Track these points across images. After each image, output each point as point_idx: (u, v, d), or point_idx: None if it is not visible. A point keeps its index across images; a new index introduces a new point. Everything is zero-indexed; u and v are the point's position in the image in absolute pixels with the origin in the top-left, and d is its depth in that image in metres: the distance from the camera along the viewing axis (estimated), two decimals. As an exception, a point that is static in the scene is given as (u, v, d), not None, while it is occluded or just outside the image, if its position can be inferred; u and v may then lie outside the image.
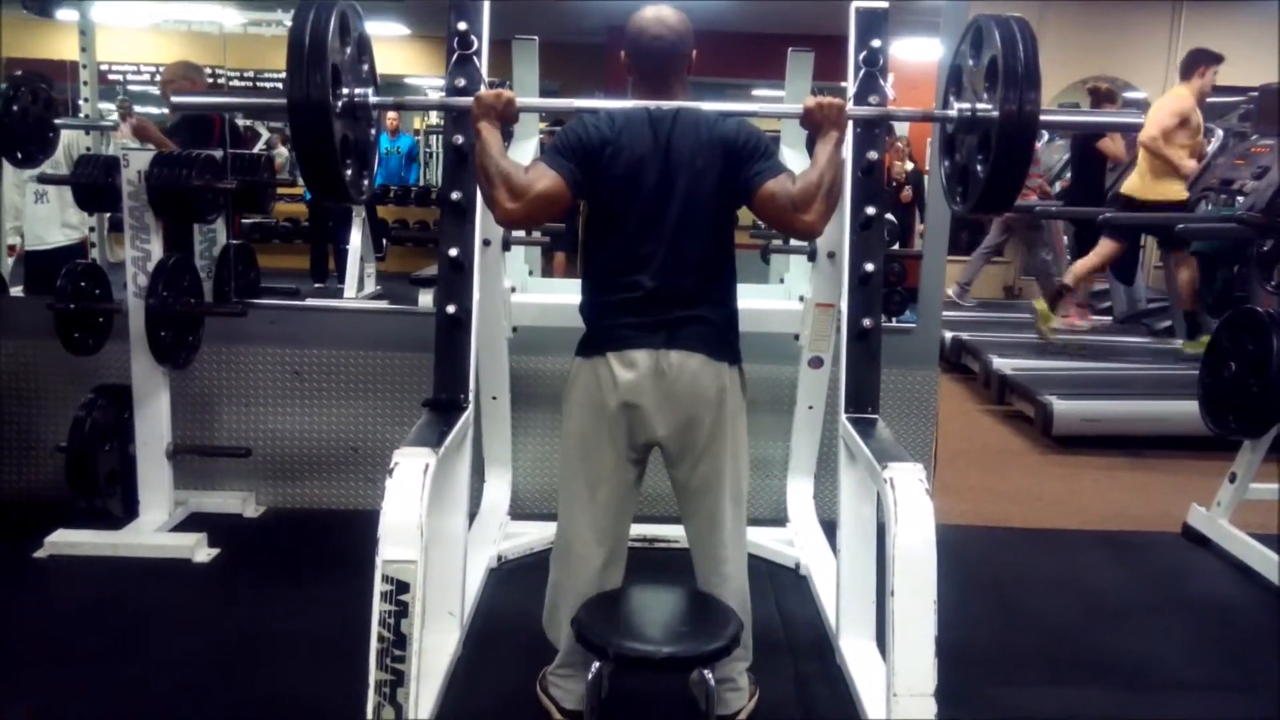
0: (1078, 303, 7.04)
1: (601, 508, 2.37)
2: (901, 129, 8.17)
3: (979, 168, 2.27)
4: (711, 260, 2.31)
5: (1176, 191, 6.03)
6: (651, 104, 2.27)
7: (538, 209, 2.20)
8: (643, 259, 2.25)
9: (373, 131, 2.44)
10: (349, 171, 2.26)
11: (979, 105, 2.28)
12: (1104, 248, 6.27)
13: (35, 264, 4.68)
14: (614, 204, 2.27)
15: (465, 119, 2.77)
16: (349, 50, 2.22)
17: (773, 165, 2.25)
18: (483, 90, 2.32)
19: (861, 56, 2.79)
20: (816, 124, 2.27)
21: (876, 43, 2.80)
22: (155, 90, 9.13)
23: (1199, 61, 6.00)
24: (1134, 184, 6.15)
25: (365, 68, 2.33)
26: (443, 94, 2.77)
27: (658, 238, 2.25)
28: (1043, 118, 2.16)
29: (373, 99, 2.32)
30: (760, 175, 2.23)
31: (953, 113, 2.37)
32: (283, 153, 8.09)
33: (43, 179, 4.22)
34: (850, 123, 2.54)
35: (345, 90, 2.21)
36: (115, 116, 7.69)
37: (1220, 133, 7.03)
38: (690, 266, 2.27)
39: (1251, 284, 5.55)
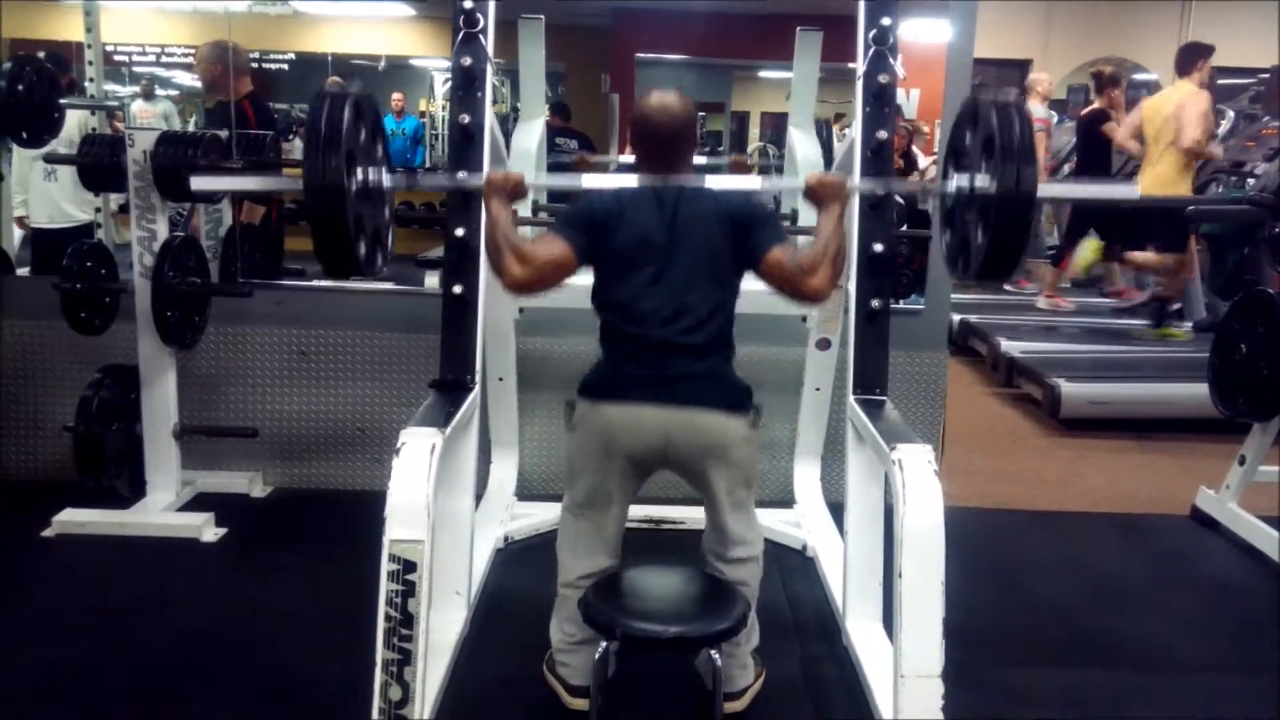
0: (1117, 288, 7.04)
1: (604, 533, 2.41)
2: (909, 112, 8.16)
3: (979, 239, 2.30)
4: (716, 321, 2.32)
5: (1187, 187, 6.07)
6: (659, 183, 2.32)
7: (545, 274, 2.26)
8: (647, 316, 2.27)
9: (386, 212, 2.47)
10: (363, 250, 2.28)
11: (977, 180, 2.30)
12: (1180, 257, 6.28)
13: (44, 242, 4.67)
14: (620, 267, 2.30)
15: (470, 98, 2.78)
16: (364, 135, 2.25)
17: (778, 234, 2.31)
18: (492, 172, 2.40)
19: (871, 35, 2.77)
20: (819, 199, 2.34)
21: (886, 21, 2.78)
22: (160, 71, 9.15)
23: (1196, 55, 6.02)
24: (1179, 188, 6.08)
25: (379, 151, 2.37)
26: (448, 73, 2.76)
27: (663, 298, 2.27)
28: (1040, 193, 2.19)
29: (386, 182, 2.37)
30: (766, 243, 2.28)
31: (951, 188, 2.40)
32: (296, 145, 8.09)
33: (49, 158, 4.21)
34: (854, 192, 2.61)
35: (360, 173, 2.23)
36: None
37: (1231, 115, 6.99)
38: (695, 326, 2.28)
39: (1262, 266, 5.52)
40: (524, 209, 4.16)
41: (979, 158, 2.25)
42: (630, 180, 2.37)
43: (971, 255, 2.33)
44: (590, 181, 2.47)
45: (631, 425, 2.28)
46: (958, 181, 2.37)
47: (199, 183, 2.82)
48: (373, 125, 2.29)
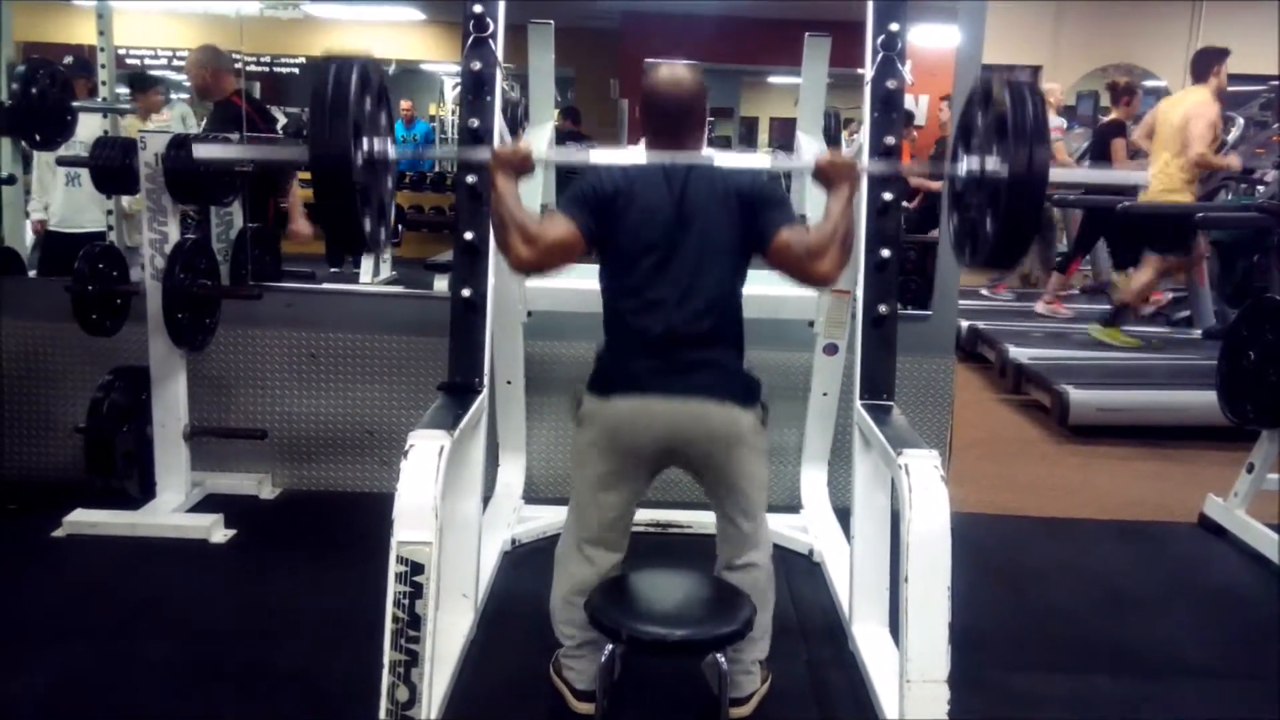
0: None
1: (613, 528, 2.40)
2: (920, 119, 8.16)
3: (988, 225, 2.28)
4: (725, 306, 2.30)
5: (1191, 196, 6.04)
6: (666, 160, 2.29)
7: (551, 255, 2.23)
8: (655, 303, 2.25)
9: (390, 182, 2.45)
10: (368, 222, 2.27)
11: (988, 163, 2.27)
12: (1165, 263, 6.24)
13: (56, 245, 4.69)
14: (627, 250, 2.27)
15: (481, 101, 2.79)
16: (369, 104, 2.23)
17: (788, 215, 2.28)
18: (499, 145, 2.35)
19: (879, 41, 2.78)
20: (829, 179, 2.30)
21: (895, 27, 2.78)
22: (173, 74, 9.18)
23: (1211, 61, 5.97)
24: (1182, 195, 6.04)
25: (384, 121, 2.35)
26: (458, 77, 2.77)
27: (671, 283, 2.25)
28: (1051, 175, 2.16)
29: (392, 153, 2.34)
30: (775, 224, 2.25)
31: (961, 171, 2.38)
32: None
33: (61, 161, 4.24)
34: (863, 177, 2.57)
35: (365, 143, 2.21)
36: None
37: (1241, 121, 6.97)
38: (703, 311, 2.26)
39: (1271, 273, 5.50)
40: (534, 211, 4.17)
41: (990, 139, 2.21)
42: (639, 156, 2.32)
43: (979, 241, 2.31)
44: (599, 157, 2.42)
45: (642, 418, 2.26)
46: (967, 164, 2.33)
47: (201, 150, 2.80)
48: (378, 93, 2.25)
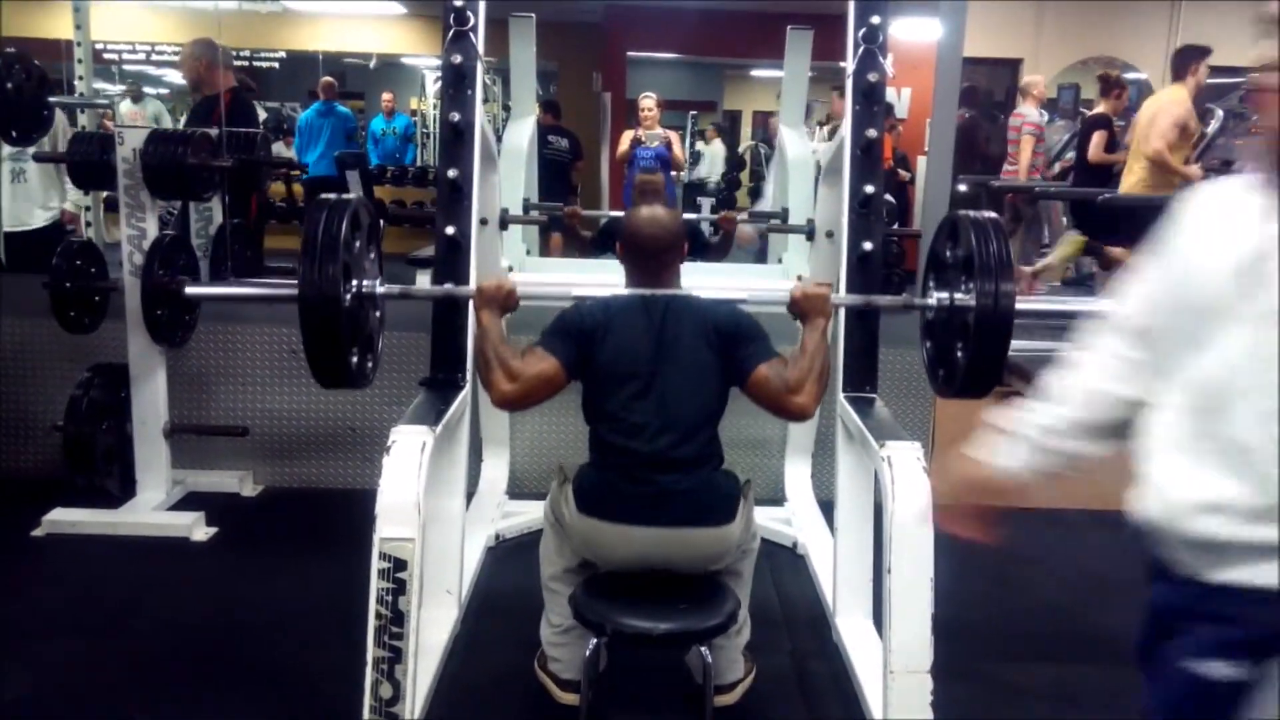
0: None
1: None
2: (900, 111, 8.18)
3: (959, 353, 2.35)
4: (704, 433, 2.31)
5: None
6: (646, 292, 2.34)
7: (533, 391, 2.27)
8: (636, 429, 2.25)
9: (377, 315, 2.51)
10: (354, 359, 2.31)
11: (957, 295, 2.36)
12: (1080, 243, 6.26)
13: (15, 245, 4.63)
14: (609, 377, 2.29)
15: (461, 97, 2.78)
16: (358, 244, 2.29)
17: (766, 350, 2.30)
18: (485, 281, 2.43)
19: (861, 34, 2.78)
20: (803, 312, 2.38)
21: (876, 20, 2.79)
22: (150, 69, 9.12)
23: (1190, 59, 5.94)
24: (1135, 191, 6.05)
25: (373, 257, 2.41)
26: (438, 71, 2.77)
27: (651, 409, 2.25)
28: (1018, 306, 2.26)
29: (379, 289, 2.42)
30: (753, 358, 2.28)
31: (932, 301, 2.45)
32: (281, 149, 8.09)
33: (37, 157, 4.20)
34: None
35: (354, 282, 2.28)
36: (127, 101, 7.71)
37: (1220, 114, 6.99)
38: (683, 438, 2.26)
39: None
40: (515, 207, 4.17)
41: (959, 274, 2.34)
42: (618, 287, 2.40)
43: (952, 368, 2.42)
44: (580, 290, 2.49)
45: (621, 544, 2.27)
46: (937, 295, 2.45)
47: (194, 291, 3.05)
48: (368, 230, 2.35)
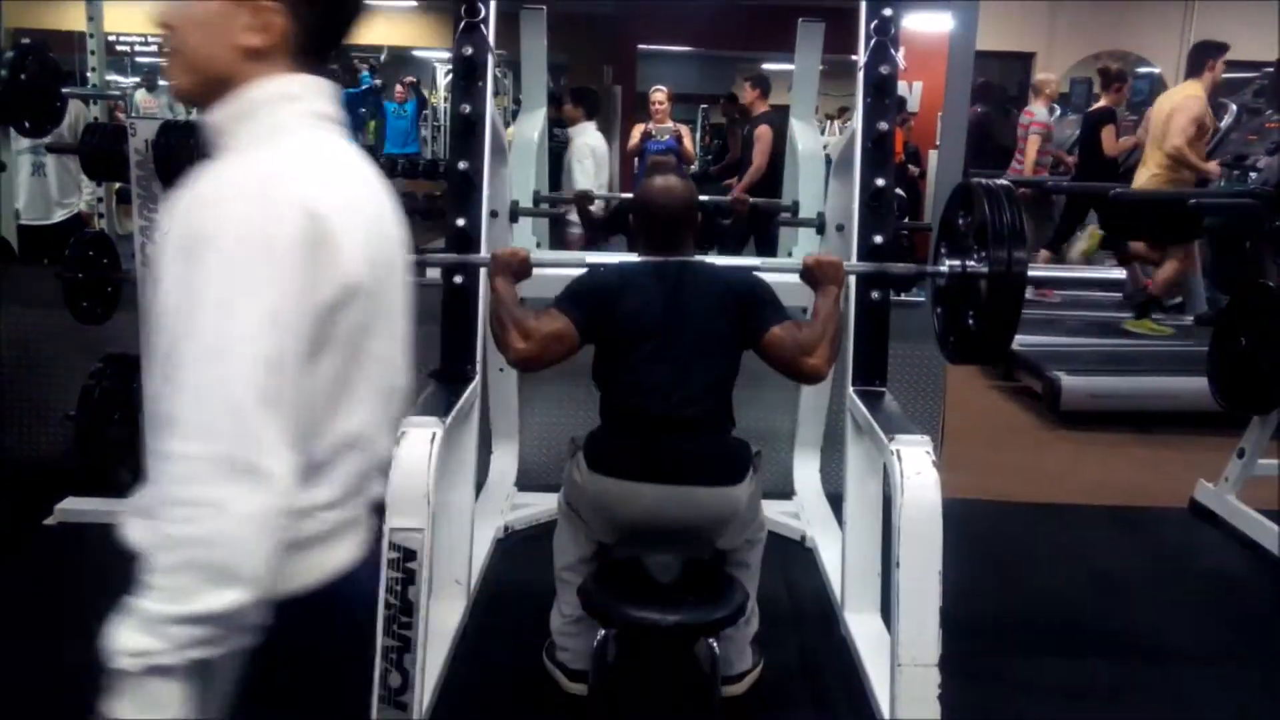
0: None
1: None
2: (911, 105, 8.15)
3: (970, 320, 2.35)
4: (717, 394, 2.33)
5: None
6: (660, 259, 2.36)
7: (547, 348, 2.28)
8: (649, 388, 2.27)
9: None
10: None
11: (969, 263, 2.34)
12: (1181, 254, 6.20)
13: (31, 238, 4.65)
14: (622, 341, 2.31)
15: (472, 89, 2.79)
16: None
17: (780, 313, 2.32)
18: (499, 249, 2.44)
19: (873, 26, 2.78)
20: (816, 280, 2.40)
21: (888, 12, 2.78)
22: (163, 62, 9.15)
23: (1207, 55, 5.91)
24: (1150, 186, 6.03)
25: None
26: (449, 64, 2.78)
27: (664, 369, 2.27)
28: (1030, 273, 2.25)
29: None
30: (768, 322, 2.29)
31: (944, 268, 2.44)
32: None
33: (51, 148, 4.21)
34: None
35: None
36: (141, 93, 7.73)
37: (1234, 108, 6.95)
38: (696, 397, 2.28)
39: (1263, 259, 5.50)
40: (525, 199, 4.17)
41: (971, 239, 2.32)
42: (632, 257, 2.41)
43: (961, 335, 2.42)
44: (594, 258, 2.51)
45: (631, 501, 2.28)
46: (949, 263, 2.43)
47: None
48: None
